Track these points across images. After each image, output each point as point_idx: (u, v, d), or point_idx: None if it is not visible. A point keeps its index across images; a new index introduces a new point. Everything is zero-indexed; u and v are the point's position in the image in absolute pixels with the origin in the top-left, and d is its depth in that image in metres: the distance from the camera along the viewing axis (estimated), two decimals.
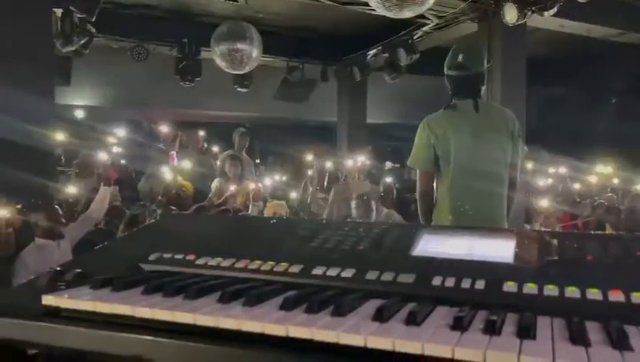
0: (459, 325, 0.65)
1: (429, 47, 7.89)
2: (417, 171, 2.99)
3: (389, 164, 11.24)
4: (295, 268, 0.89)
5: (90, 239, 3.85)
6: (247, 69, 7.22)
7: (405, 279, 0.83)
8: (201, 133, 7.81)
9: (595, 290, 0.76)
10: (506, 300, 0.77)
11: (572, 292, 0.76)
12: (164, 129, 7.51)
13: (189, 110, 10.20)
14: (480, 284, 0.80)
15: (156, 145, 7.89)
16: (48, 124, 5.45)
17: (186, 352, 0.68)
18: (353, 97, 9.77)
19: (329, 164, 9.41)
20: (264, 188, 7.18)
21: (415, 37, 7.64)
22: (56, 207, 3.67)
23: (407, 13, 4.43)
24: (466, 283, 0.81)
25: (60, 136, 7.26)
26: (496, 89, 6.71)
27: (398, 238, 1.01)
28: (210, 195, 6.00)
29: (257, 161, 10.26)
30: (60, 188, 4.86)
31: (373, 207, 4.37)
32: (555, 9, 5.45)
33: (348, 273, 0.87)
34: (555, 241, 0.95)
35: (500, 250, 0.93)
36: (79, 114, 9.73)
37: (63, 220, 3.63)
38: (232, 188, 5.65)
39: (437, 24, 7.18)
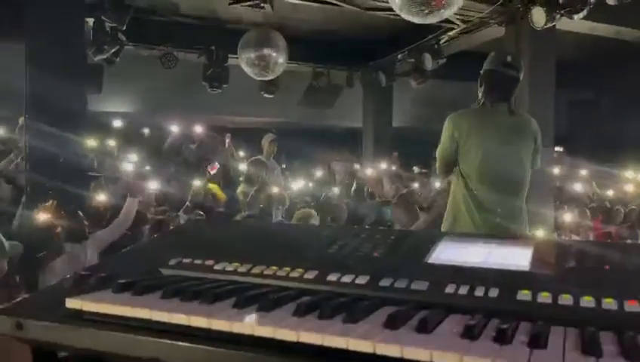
0: (469, 333, 0.65)
1: (455, 52, 7.84)
2: (438, 160, 3.09)
3: (416, 169, 11.18)
4: (310, 274, 0.90)
5: (116, 244, 3.96)
6: (273, 75, 7.30)
7: (419, 286, 0.84)
8: (227, 139, 7.92)
9: (610, 300, 0.75)
10: (519, 309, 0.77)
11: (587, 301, 0.75)
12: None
13: (216, 116, 10.32)
14: (494, 292, 0.80)
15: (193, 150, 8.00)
16: (80, 130, 5.61)
17: (202, 355, 0.70)
18: (379, 102, 9.77)
19: (354, 170, 9.44)
20: (290, 193, 7.23)
21: (441, 41, 7.61)
22: (79, 212, 3.77)
23: (431, 19, 4.42)
24: (479, 291, 0.81)
25: (92, 143, 7.46)
26: (524, 93, 6.62)
27: (413, 245, 1.01)
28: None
29: (284, 166, 10.33)
30: (91, 194, 4.99)
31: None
32: (585, 12, 5.36)
33: (362, 280, 0.87)
34: (572, 250, 0.94)
35: (517, 257, 0.93)
36: (111, 120, 9.95)
37: (86, 222, 3.73)
38: (253, 193, 5.71)
39: (463, 28, 7.13)
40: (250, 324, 0.68)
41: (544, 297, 0.78)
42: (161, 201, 6.43)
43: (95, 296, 0.82)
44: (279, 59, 6.96)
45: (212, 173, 6.15)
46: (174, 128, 9.01)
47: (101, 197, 4.84)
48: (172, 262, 0.99)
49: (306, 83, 9.45)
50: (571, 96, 10.26)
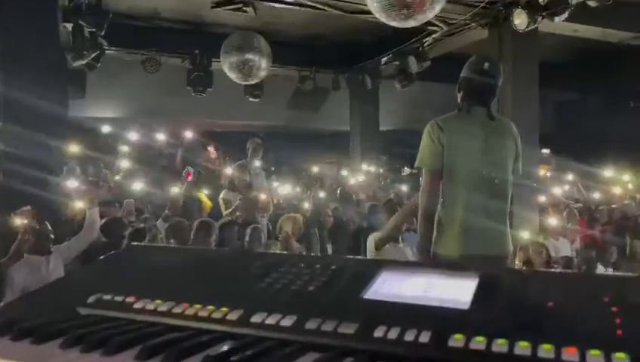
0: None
1: (439, 54, 7.81)
2: (424, 171, 2.92)
3: (407, 170, 11.14)
4: (234, 315, 0.83)
5: (94, 251, 3.86)
6: (256, 80, 7.22)
7: (346, 329, 0.77)
8: (210, 148, 7.84)
9: (548, 347, 0.68)
10: (450, 356, 0.70)
11: (523, 348, 0.69)
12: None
13: (203, 120, 10.23)
14: (425, 337, 0.73)
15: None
16: (60, 135, 5.51)
17: None
18: (365, 105, 9.72)
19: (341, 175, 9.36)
20: (277, 198, 7.15)
21: (425, 44, 7.57)
22: (46, 223, 3.67)
23: (411, 23, 4.36)
24: (410, 335, 0.74)
25: (74, 149, 7.34)
26: (507, 95, 6.59)
27: (353, 277, 0.94)
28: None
29: (273, 168, 10.25)
30: (65, 203, 4.88)
31: None
32: (566, 14, 5.34)
33: (288, 321, 0.80)
34: (519, 282, 0.88)
35: (458, 292, 0.86)
36: (95, 125, 9.84)
37: (52, 236, 3.64)
38: (239, 199, 5.63)
39: (446, 31, 7.11)
40: None
41: (477, 343, 0.71)
42: (143, 209, 6.34)
43: None
44: (262, 63, 6.88)
45: (188, 179, 6.05)
46: (160, 133, 8.93)
47: (76, 205, 4.75)
48: (91, 299, 0.92)
49: (293, 86, 9.40)
50: (557, 97, 10.26)
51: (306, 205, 6.86)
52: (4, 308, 0.90)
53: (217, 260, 1.08)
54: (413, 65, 7.74)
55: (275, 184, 7.91)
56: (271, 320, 0.81)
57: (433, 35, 7.41)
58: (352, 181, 8.70)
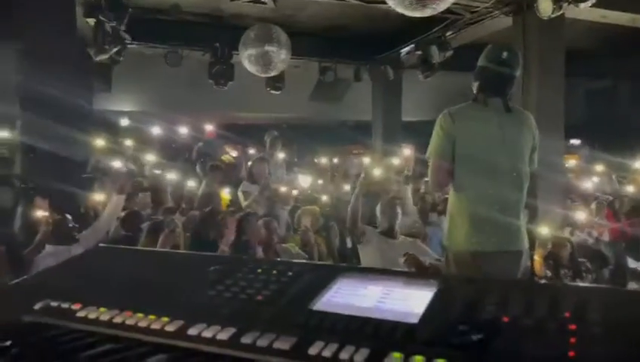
0: None
1: (462, 44, 7.63)
2: (431, 161, 2.80)
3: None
4: (172, 326, 0.80)
5: (113, 243, 3.92)
6: (275, 72, 7.18)
7: (282, 345, 0.72)
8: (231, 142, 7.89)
9: None
10: None
11: None
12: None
13: (224, 113, 10.27)
14: (362, 355, 0.68)
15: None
16: (85, 129, 5.60)
17: None
18: (387, 96, 9.59)
19: (364, 164, 9.26)
20: (298, 190, 7.11)
21: (448, 33, 7.40)
22: (66, 214, 3.74)
23: (427, 12, 4.25)
24: (346, 353, 0.69)
25: (99, 142, 7.46)
26: (532, 84, 6.39)
27: (307, 286, 0.89)
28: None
29: (296, 160, 10.23)
30: (87, 195, 4.97)
31: (399, 211, 4.20)
32: (593, 0, 5.12)
33: (225, 334, 0.76)
34: (477, 293, 0.81)
35: (413, 303, 0.81)
36: (119, 119, 9.99)
37: (71, 225, 3.70)
38: (257, 191, 5.61)
39: (470, 19, 6.92)
40: None
41: None
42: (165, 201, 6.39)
43: None
44: (281, 55, 6.83)
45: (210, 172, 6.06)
46: (182, 126, 9.00)
47: (97, 197, 4.82)
48: (38, 306, 0.89)
49: (314, 78, 9.33)
50: (587, 86, 9.93)
51: (327, 198, 6.82)
52: None
53: (175, 265, 1.05)
54: (436, 54, 7.58)
55: (297, 176, 7.87)
56: (208, 333, 0.77)
57: (456, 24, 7.24)
58: (375, 173, 8.59)
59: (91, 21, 6.60)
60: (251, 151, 8.55)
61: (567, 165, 7.98)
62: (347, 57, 8.93)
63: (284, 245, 4.92)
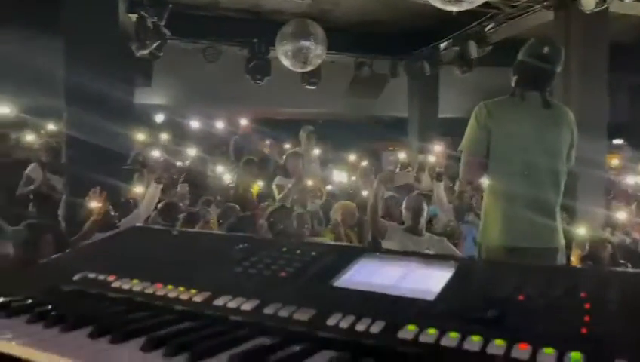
0: None
1: (502, 39, 7.50)
2: (463, 155, 2.75)
3: None
4: (199, 297, 0.84)
5: None
6: (311, 67, 7.23)
7: (301, 316, 0.76)
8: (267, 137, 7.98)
9: (500, 342, 0.64)
10: (398, 347, 0.67)
11: (473, 343, 0.65)
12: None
13: (260, 108, 10.37)
14: (377, 327, 0.71)
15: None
16: (125, 122, 5.76)
17: None
18: (424, 91, 9.51)
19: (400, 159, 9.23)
20: (331, 185, 7.15)
21: (487, 28, 7.28)
22: (109, 204, 3.88)
23: (465, 5, 4.21)
24: (362, 325, 0.72)
25: (139, 135, 7.67)
26: (574, 81, 6.24)
27: (329, 264, 0.92)
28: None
29: (330, 156, 10.26)
30: (128, 185, 5.12)
31: (424, 208, 4.16)
32: None
33: (249, 305, 0.80)
34: (494, 275, 0.83)
35: (431, 282, 0.83)
36: (159, 112, 10.22)
37: (115, 214, 3.83)
38: (290, 185, 5.67)
39: (510, 13, 6.80)
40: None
41: (428, 335, 0.68)
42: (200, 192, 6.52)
43: None
44: (317, 50, 6.87)
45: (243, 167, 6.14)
46: (219, 120, 9.14)
47: (138, 188, 4.96)
48: (76, 277, 0.95)
49: (350, 74, 9.33)
50: (632, 83, 9.60)
51: (364, 193, 6.82)
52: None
53: (203, 244, 1.10)
54: (474, 50, 7.47)
55: (331, 172, 7.90)
56: (233, 304, 0.81)
57: (496, 19, 7.13)
58: (410, 170, 8.54)
59: (133, 17, 6.78)
60: (286, 146, 8.63)
61: (609, 165, 7.76)
62: (383, 52, 8.89)
63: (316, 238, 4.97)
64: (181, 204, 5.31)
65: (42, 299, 0.85)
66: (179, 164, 7.91)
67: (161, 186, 4.25)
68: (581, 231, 4.53)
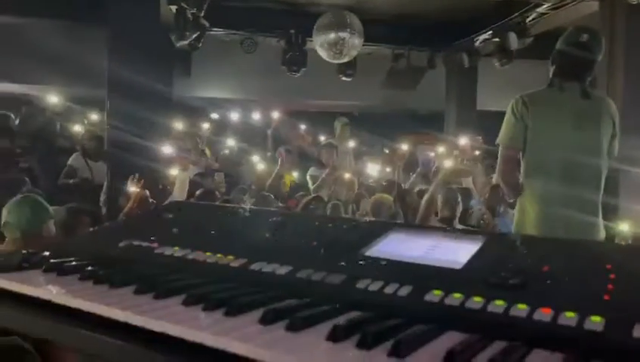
0: (332, 336, 0.60)
1: (543, 31, 7.33)
2: (500, 149, 2.73)
3: None
4: (236, 263, 0.89)
5: None
6: (348, 58, 7.24)
7: (333, 280, 0.79)
8: (302, 126, 8.01)
9: (523, 306, 0.66)
10: (423, 309, 0.70)
11: (497, 306, 0.67)
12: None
13: (297, 99, 10.43)
14: (405, 290, 0.74)
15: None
16: (164, 113, 5.91)
17: (89, 340, 0.71)
18: (462, 84, 9.39)
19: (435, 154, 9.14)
20: (365, 178, 7.16)
21: (528, 19, 7.14)
22: (145, 190, 4.00)
23: None
24: (390, 289, 0.75)
25: (177, 125, 7.83)
26: (619, 75, 6.06)
27: (359, 236, 0.96)
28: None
29: (364, 148, 10.25)
30: (166, 173, 5.26)
31: (459, 200, 4.15)
32: None
33: (283, 270, 0.84)
34: (523, 247, 0.85)
35: (458, 254, 0.85)
36: (198, 104, 10.40)
37: (150, 200, 3.95)
38: (324, 175, 5.72)
39: (552, 5, 6.65)
40: (125, 312, 0.68)
41: (454, 299, 0.71)
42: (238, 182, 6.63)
43: (21, 274, 0.85)
44: (354, 41, 6.88)
45: (282, 158, 6.21)
46: (255, 112, 9.25)
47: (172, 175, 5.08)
48: (122, 244, 1.02)
49: (386, 65, 9.28)
50: None
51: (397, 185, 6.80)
52: (52, 248, 1.02)
53: (240, 217, 1.15)
54: (514, 41, 7.33)
55: (365, 164, 7.90)
56: (267, 269, 0.86)
57: (537, 10, 6.97)
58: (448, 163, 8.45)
59: (173, 8, 6.91)
60: (322, 137, 8.67)
61: None
62: (421, 44, 8.81)
63: None
64: (217, 193, 5.42)
65: (92, 261, 0.92)
66: (216, 153, 8.05)
67: (187, 173, 4.36)
68: (624, 227, 4.42)
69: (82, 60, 7.10)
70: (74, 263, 0.89)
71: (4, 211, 2.57)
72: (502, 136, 2.74)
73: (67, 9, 7.30)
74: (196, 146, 7.23)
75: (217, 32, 8.12)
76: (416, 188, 6.50)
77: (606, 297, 0.67)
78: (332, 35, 6.79)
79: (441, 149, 9.30)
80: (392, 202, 5.70)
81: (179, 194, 4.32)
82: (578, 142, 2.64)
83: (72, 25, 7.75)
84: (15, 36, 7.91)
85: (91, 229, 1.17)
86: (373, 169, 7.77)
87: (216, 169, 6.28)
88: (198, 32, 7.28)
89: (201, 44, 7.68)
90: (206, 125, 8.78)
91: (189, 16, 6.97)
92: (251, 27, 8.33)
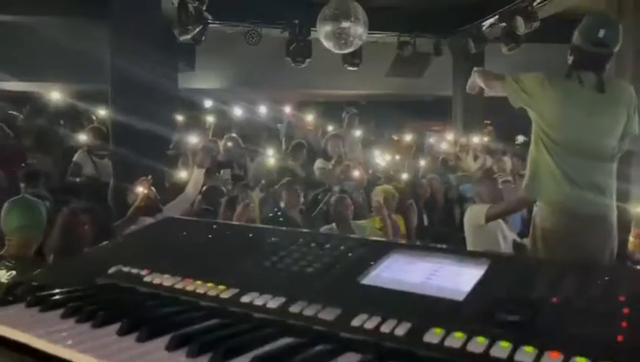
0: None
1: (551, 14, 7.19)
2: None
3: (520, 139, 10.55)
4: (227, 294, 0.84)
5: (194, 216, 4.13)
6: (352, 48, 7.13)
7: (326, 315, 0.75)
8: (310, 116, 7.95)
9: (530, 349, 0.62)
10: (423, 352, 0.66)
11: (501, 349, 0.63)
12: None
13: (303, 90, 10.36)
14: (402, 329, 0.69)
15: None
16: (169, 107, 5.87)
17: None
18: (469, 70, 9.20)
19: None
20: (372, 168, 7.10)
21: (535, 3, 7.00)
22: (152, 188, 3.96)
23: None
24: (387, 327, 0.70)
25: (182, 119, 7.79)
26: (628, 57, 5.91)
27: (357, 259, 0.91)
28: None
29: (373, 138, 10.18)
30: (171, 170, 5.23)
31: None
32: None
33: (275, 303, 0.80)
34: (530, 272, 0.80)
35: (461, 281, 0.80)
36: (203, 97, 10.35)
37: (159, 197, 3.92)
38: (330, 166, 5.67)
39: None
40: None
41: (455, 339, 0.66)
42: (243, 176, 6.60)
43: (2, 312, 0.82)
44: (359, 30, 6.77)
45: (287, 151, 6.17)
46: (261, 104, 9.19)
47: (181, 172, 5.06)
48: (111, 270, 0.98)
49: (392, 53, 9.17)
50: None
51: (404, 175, 6.75)
52: (38, 275, 0.98)
53: (235, 236, 1.10)
54: (521, 26, 7.20)
55: (373, 153, 7.83)
56: (259, 301, 0.81)
57: None
58: (455, 150, 8.39)
59: (175, 1, 6.85)
60: (329, 128, 8.60)
61: None
62: (426, 31, 8.68)
63: (359, 222, 4.96)
64: (223, 188, 5.39)
65: (77, 293, 0.88)
66: (222, 147, 8.01)
67: (203, 170, 4.32)
68: (639, 208, 4.34)
69: (86, 56, 7.07)
70: (57, 297, 0.85)
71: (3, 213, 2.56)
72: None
73: (69, 4, 7.26)
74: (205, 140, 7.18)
75: (220, 24, 8.04)
76: (428, 177, 6.44)
77: (619, 338, 0.62)
78: (336, 25, 6.69)
79: (448, 137, 9.23)
80: (394, 192, 5.64)
81: (193, 192, 4.28)
82: (593, 126, 2.64)
83: (74, 21, 7.71)
84: (18, 33, 7.90)
85: (85, 250, 1.12)
86: (381, 158, 7.71)
87: (225, 164, 6.24)
88: (201, 26, 7.22)
89: (204, 38, 7.63)
90: (211, 118, 8.75)
91: (192, 9, 6.90)
92: (254, 19, 8.24)
